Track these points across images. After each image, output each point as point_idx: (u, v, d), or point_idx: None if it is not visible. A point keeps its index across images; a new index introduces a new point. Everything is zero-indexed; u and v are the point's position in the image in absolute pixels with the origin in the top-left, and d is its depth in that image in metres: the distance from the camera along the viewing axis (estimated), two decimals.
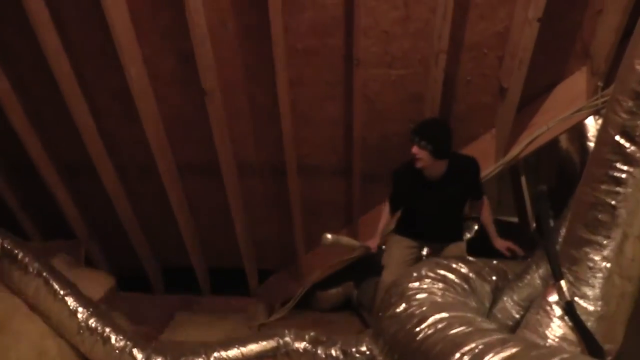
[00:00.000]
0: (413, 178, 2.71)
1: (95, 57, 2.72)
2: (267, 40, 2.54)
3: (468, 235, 3.89)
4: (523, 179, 4.37)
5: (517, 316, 2.25)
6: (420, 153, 2.55)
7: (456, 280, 2.27)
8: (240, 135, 3.02)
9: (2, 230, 2.68)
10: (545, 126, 2.84)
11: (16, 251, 2.57)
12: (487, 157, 2.93)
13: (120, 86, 2.74)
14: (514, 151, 2.91)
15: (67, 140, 3.04)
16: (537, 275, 2.31)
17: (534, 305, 1.98)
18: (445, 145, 2.59)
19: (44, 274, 2.56)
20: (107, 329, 2.54)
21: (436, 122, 2.72)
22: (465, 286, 2.26)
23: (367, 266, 3.46)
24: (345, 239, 2.99)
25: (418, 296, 2.09)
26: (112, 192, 3.21)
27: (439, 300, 2.05)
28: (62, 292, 2.55)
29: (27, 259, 2.56)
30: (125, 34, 2.54)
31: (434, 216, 2.80)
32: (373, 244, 2.88)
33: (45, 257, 2.71)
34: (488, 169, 2.94)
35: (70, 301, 2.55)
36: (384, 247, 3.03)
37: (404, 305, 2.06)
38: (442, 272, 2.28)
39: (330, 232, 2.92)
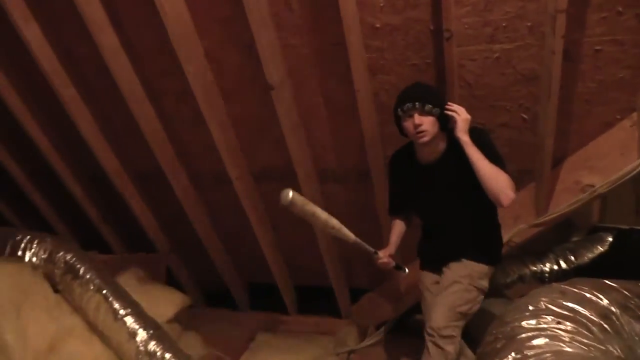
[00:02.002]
0: (410, 165, 2.22)
1: (155, 57, 2.51)
2: (338, 16, 2.14)
3: (600, 249, 3.12)
4: None
5: None
6: (425, 122, 2.02)
7: (592, 316, 1.65)
8: (317, 135, 2.64)
9: (71, 244, 2.56)
10: None
11: (79, 266, 2.41)
12: (628, 149, 2.26)
13: (184, 87, 2.50)
14: None
15: (139, 148, 2.87)
16: None
17: None
18: (444, 107, 2.09)
19: (104, 291, 2.36)
20: (168, 355, 2.28)
21: (422, 83, 2.15)
22: (606, 326, 1.62)
23: None
24: (322, 213, 2.09)
25: (535, 342, 1.53)
26: (186, 202, 2.99)
27: (567, 349, 1.46)
28: (121, 312, 2.33)
29: (89, 275, 2.40)
30: (180, 26, 2.29)
31: (444, 215, 2.23)
32: (384, 253, 2.29)
33: (111, 273, 2.54)
34: (629, 167, 2.25)
35: (130, 322, 2.32)
36: (406, 270, 2.38)
37: (513, 354, 1.51)
38: (570, 304, 1.67)
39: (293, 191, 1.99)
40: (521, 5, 2.04)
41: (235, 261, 3.39)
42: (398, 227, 2.41)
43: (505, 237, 2.56)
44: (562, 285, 1.81)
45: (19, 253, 2.48)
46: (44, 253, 2.46)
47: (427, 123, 2.02)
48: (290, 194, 1.94)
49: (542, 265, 3.11)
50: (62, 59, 2.62)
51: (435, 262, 2.34)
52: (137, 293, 2.54)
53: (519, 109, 2.32)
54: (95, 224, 3.29)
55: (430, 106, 2.02)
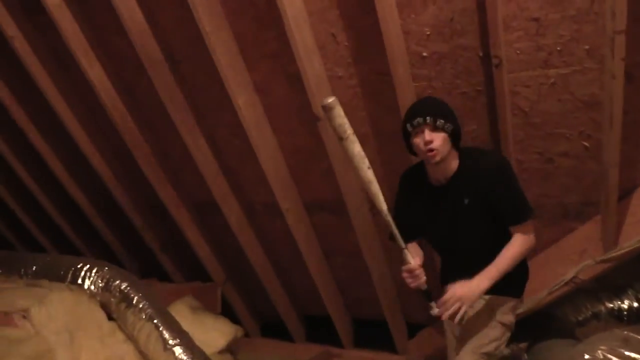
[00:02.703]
0: (420, 185, 2.03)
1: (208, 92, 2.59)
2: (384, 47, 2.12)
3: None
4: None
5: None
6: (437, 139, 1.84)
7: None
8: None
9: (128, 273, 2.64)
10: None
11: (132, 295, 2.48)
12: None
13: (236, 120, 2.54)
14: None
15: (194, 180, 2.95)
16: None
17: None
18: (458, 124, 1.92)
19: (156, 320, 2.41)
20: None
21: (434, 97, 2.02)
22: None
23: (544, 322, 2.71)
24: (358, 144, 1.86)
25: None
26: (240, 233, 3.02)
27: None
28: (171, 342, 2.36)
29: (142, 304, 2.45)
30: (230, 62, 2.35)
31: (459, 241, 2.01)
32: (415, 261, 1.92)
33: (166, 302, 2.60)
34: None
35: (179, 352, 2.34)
36: (435, 307, 1.91)
37: None
38: (633, 355, 1.50)
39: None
40: (576, 28, 1.93)
41: (290, 292, 3.37)
42: (419, 252, 2.10)
43: (570, 274, 2.38)
44: (626, 332, 1.64)
45: (79, 281, 2.59)
46: (102, 282, 2.56)
47: (438, 140, 1.85)
48: (332, 98, 1.76)
49: (619, 302, 2.82)
50: (123, 96, 2.76)
51: None
52: (189, 322, 2.57)
53: (579, 136, 2.17)
54: (154, 252, 3.39)
55: (442, 121, 1.85)
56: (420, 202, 2.06)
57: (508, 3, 1.97)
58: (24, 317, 2.25)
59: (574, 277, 2.40)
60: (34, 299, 2.37)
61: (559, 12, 1.92)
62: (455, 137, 1.91)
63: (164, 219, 3.24)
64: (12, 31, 2.67)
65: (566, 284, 2.43)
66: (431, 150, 1.86)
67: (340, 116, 1.79)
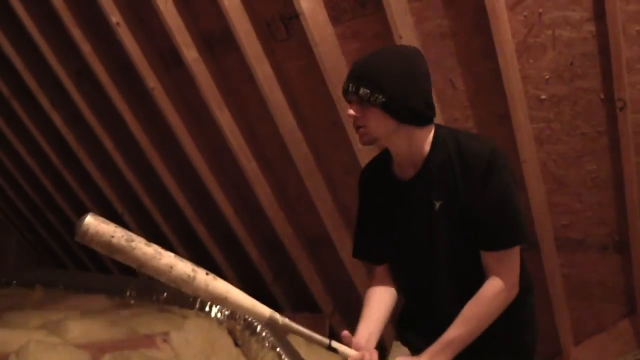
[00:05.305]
0: (382, 180, 1.50)
1: (327, 133, 2.77)
2: (501, 90, 2.20)
3: None
4: None
5: None
6: (361, 114, 1.36)
7: None
8: None
9: None
10: None
11: (256, 324, 2.66)
12: None
13: (353, 160, 2.70)
14: None
15: (310, 215, 3.12)
16: None
17: None
18: (410, 90, 1.34)
19: (278, 348, 2.57)
20: None
21: (376, 53, 1.40)
22: None
23: None
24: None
25: None
26: (352, 268, 3.14)
27: None
28: None
29: (264, 332, 2.63)
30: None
31: (427, 265, 1.42)
32: (357, 340, 1.42)
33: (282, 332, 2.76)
34: None
35: None
36: None
37: None
38: None
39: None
40: None
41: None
42: (378, 291, 1.54)
43: None
44: None
45: (207, 309, 2.82)
46: (227, 310, 2.76)
47: (365, 115, 1.35)
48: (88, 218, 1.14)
49: None
50: (247, 138, 3.01)
51: (425, 339, 1.43)
52: (304, 352, 2.71)
53: None
54: (267, 282, 3.59)
55: (367, 91, 1.31)
56: (381, 204, 1.53)
57: (631, 46, 1.99)
58: (164, 340, 2.48)
59: None
60: (171, 324, 2.61)
61: None
62: (397, 109, 1.33)
63: (278, 252, 3.43)
64: (153, 82, 3.01)
65: None
66: (357, 130, 1.40)
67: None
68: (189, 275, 1.23)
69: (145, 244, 1.20)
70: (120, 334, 2.46)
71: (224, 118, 2.91)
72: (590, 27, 2.01)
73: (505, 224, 1.36)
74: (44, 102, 3.73)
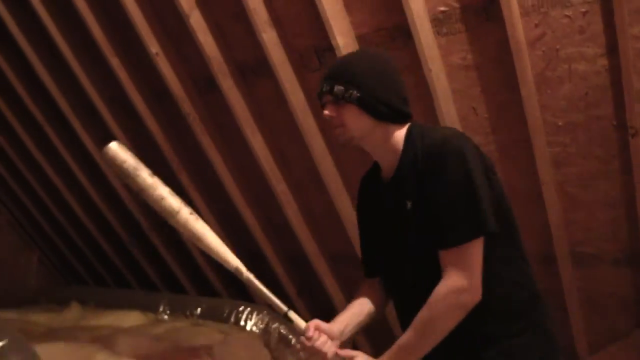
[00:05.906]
0: (375, 187, 1.53)
1: (354, 155, 2.95)
2: (521, 118, 2.39)
3: None
4: None
5: None
6: (337, 113, 1.38)
7: None
8: None
9: (281, 317, 2.98)
10: None
11: (290, 336, 2.81)
12: None
13: None
14: None
15: (335, 233, 3.29)
16: None
17: None
18: (384, 85, 1.36)
19: None
20: None
21: (349, 54, 1.54)
22: None
23: None
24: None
25: None
26: None
27: None
28: None
29: (298, 346, 2.77)
30: None
31: (409, 271, 1.43)
32: (318, 329, 1.52)
33: None
34: None
35: None
36: None
37: None
38: None
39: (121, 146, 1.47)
40: None
41: None
42: (360, 301, 1.62)
43: None
44: None
45: (242, 323, 2.97)
46: (262, 323, 2.92)
47: (342, 114, 1.37)
48: (115, 146, 1.42)
49: None
50: (277, 160, 3.19)
51: None
52: None
53: None
54: (291, 298, 3.74)
55: (342, 88, 1.32)
56: (371, 209, 1.56)
57: None
58: (208, 354, 2.62)
59: None
60: (210, 338, 2.75)
61: None
62: (372, 106, 1.34)
63: (302, 267, 3.59)
64: (188, 108, 3.20)
65: None
66: (334, 129, 1.42)
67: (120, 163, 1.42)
68: (174, 209, 1.44)
69: (149, 175, 1.45)
70: (166, 348, 2.60)
71: (256, 141, 3.09)
72: (604, 62, 2.21)
73: (454, 218, 1.29)
74: (76, 125, 3.91)
